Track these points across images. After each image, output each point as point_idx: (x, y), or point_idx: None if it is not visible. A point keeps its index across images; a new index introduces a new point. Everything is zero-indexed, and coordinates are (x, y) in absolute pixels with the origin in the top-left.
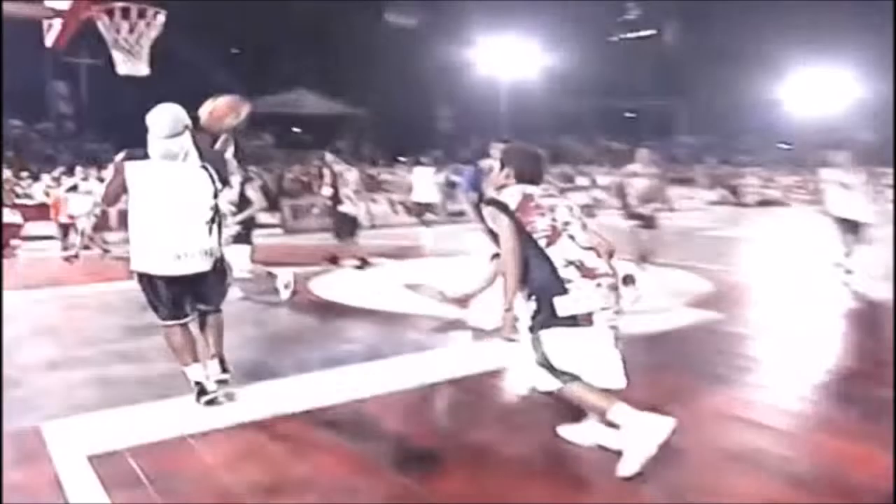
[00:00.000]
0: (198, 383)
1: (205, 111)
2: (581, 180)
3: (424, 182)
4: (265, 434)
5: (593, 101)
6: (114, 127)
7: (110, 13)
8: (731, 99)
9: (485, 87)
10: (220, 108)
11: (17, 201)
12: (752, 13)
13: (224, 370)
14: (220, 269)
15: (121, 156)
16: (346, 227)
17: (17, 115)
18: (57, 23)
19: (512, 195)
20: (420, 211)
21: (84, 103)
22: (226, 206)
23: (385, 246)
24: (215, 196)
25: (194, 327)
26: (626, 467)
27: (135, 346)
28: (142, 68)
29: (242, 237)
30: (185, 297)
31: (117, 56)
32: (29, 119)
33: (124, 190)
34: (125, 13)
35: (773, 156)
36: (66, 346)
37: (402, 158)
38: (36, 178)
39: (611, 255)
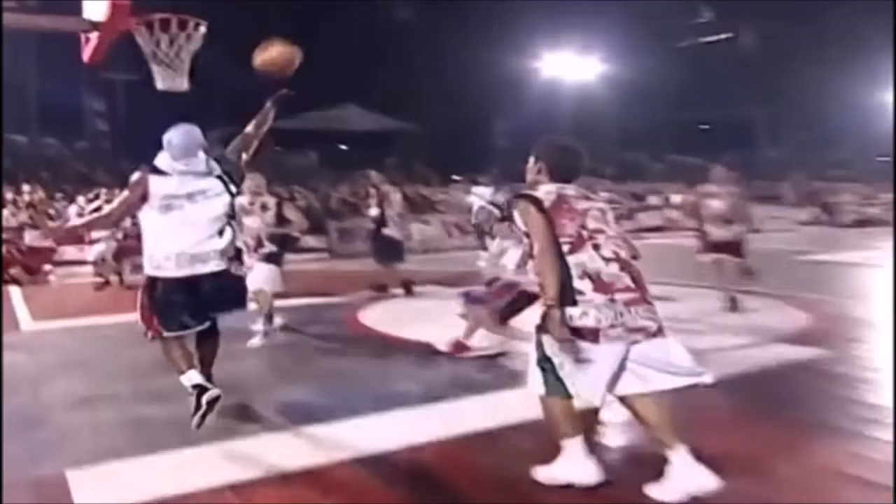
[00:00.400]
0: (196, 385)
1: (259, 56)
2: (652, 199)
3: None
4: (313, 485)
5: (663, 113)
6: (151, 145)
7: (149, 25)
8: (820, 107)
9: (544, 100)
10: (275, 56)
11: (51, 224)
12: (841, 9)
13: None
14: (235, 271)
15: (138, 173)
16: (391, 251)
17: (53, 134)
18: (94, 36)
19: (548, 193)
20: (479, 234)
21: (121, 121)
22: (263, 228)
23: (438, 272)
24: (231, 200)
25: (189, 342)
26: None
27: (168, 383)
28: (181, 83)
29: (273, 256)
30: (197, 303)
31: (156, 70)
32: (64, 138)
33: (140, 203)
34: (165, 25)
35: (871, 169)
36: (94, 383)
37: (456, 177)
38: (72, 199)
39: (633, 258)
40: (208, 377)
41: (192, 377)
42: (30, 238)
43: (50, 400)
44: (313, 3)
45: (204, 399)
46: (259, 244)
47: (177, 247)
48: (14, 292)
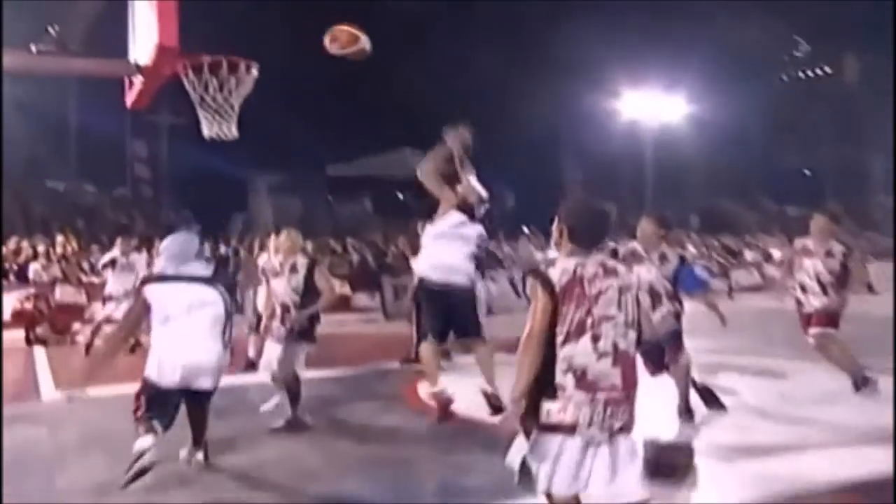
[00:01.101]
0: (141, 453)
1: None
2: (749, 254)
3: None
4: None
5: (758, 156)
6: (194, 193)
7: (197, 68)
8: None
9: (624, 143)
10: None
11: (84, 278)
12: None
13: (206, 457)
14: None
15: (140, 280)
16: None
17: (91, 180)
18: (138, 80)
19: (563, 272)
20: None
21: (164, 166)
22: (290, 297)
23: (502, 337)
24: (227, 318)
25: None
26: None
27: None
28: (230, 130)
29: (306, 333)
30: (180, 405)
31: (203, 117)
32: (104, 184)
33: (145, 314)
34: (214, 68)
35: None
36: (117, 465)
37: (526, 229)
38: (108, 250)
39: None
40: (203, 445)
41: (143, 442)
42: (61, 294)
43: (66, 486)
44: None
45: (134, 469)
46: (286, 313)
47: (172, 357)
48: (38, 353)
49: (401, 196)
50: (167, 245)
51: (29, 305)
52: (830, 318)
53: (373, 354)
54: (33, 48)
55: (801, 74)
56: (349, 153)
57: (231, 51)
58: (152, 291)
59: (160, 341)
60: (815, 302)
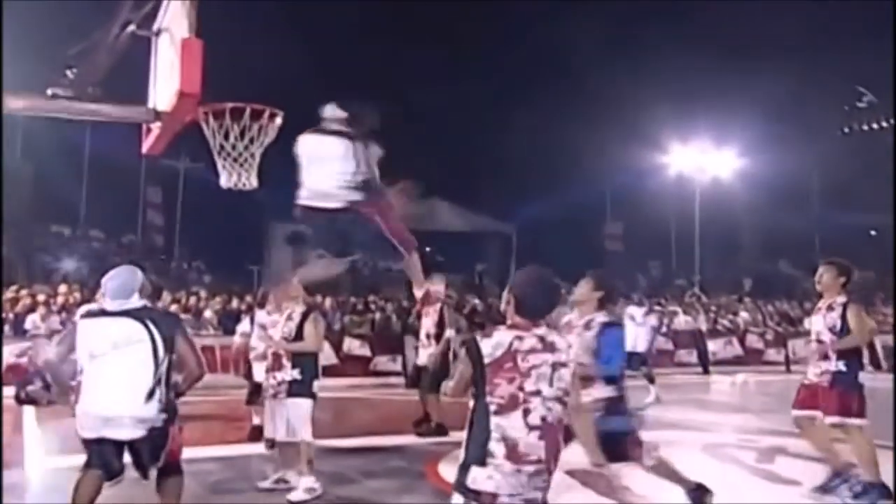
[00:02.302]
0: None
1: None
2: (808, 322)
3: (632, 325)
4: None
5: (817, 214)
6: (208, 243)
7: (218, 115)
8: None
9: (671, 199)
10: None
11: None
12: None
13: None
14: (157, 437)
15: (80, 312)
16: (431, 378)
17: (99, 226)
18: (156, 126)
19: (498, 343)
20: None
21: (177, 214)
22: (282, 344)
23: None
24: (157, 364)
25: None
26: None
27: None
28: (250, 180)
29: (299, 386)
30: (116, 456)
31: (222, 165)
32: (112, 230)
33: (72, 349)
34: (236, 115)
35: None
36: None
37: (564, 288)
38: None
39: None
40: None
41: None
42: (57, 350)
43: None
44: (396, 83)
45: None
46: (277, 364)
47: (92, 405)
48: (28, 415)
49: (428, 250)
50: (105, 280)
51: (24, 360)
52: (839, 398)
53: (392, 424)
54: (49, 91)
55: (864, 127)
56: None
57: (252, 98)
58: (81, 326)
59: (84, 384)
60: (812, 371)
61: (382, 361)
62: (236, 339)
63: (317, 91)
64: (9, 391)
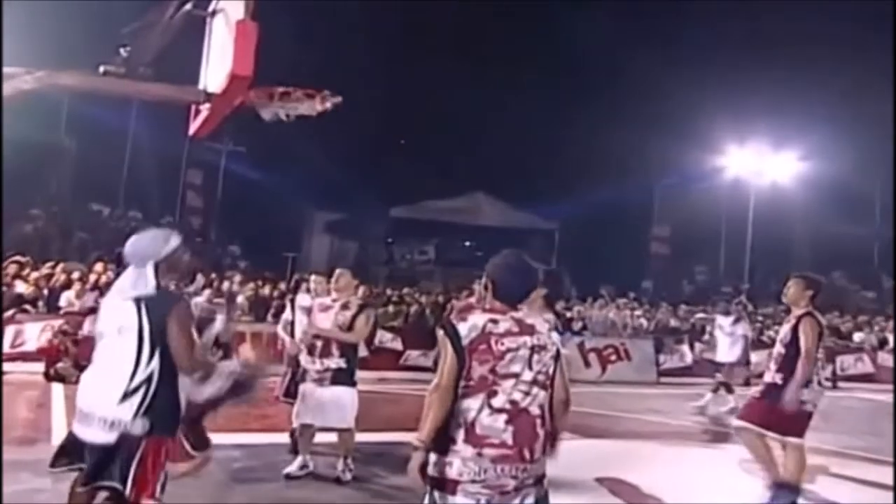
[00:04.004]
0: None
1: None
2: (859, 337)
3: (721, 335)
4: None
5: (881, 224)
6: (246, 227)
7: (270, 97)
8: None
9: (725, 204)
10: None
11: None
12: None
13: None
14: (127, 448)
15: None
16: None
17: (139, 206)
18: (205, 108)
19: (473, 326)
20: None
21: (217, 197)
22: (335, 331)
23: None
24: (138, 360)
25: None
26: None
27: None
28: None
29: (344, 375)
30: (81, 458)
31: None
32: (151, 211)
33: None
34: (286, 99)
35: None
36: None
37: (603, 291)
38: None
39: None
40: None
41: None
42: (90, 326)
43: None
44: (446, 79)
45: None
46: (326, 351)
47: (79, 396)
48: (56, 391)
49: (467, 244)
50: (126, 245)
51: (55, 337)
52: (765, 411)
53: (418, 421)
54: (101, 69)
55: None
56: (416, 195)
57: (300, 82)
58: (103, 300)
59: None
60: (765, 378)
61: (414, 356)
62: (280, 331)
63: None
64: (39, 367)
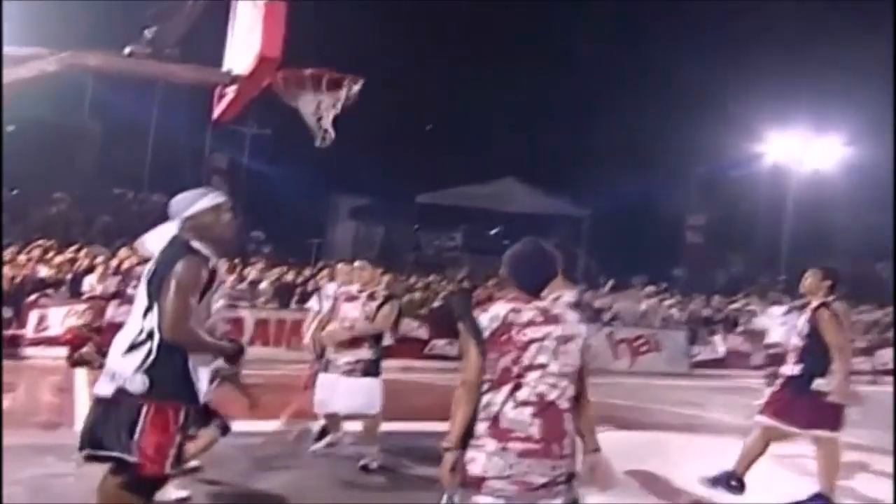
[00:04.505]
0: None
1: None
2: None
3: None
4: None
5: None
6: (270, 212)
7: (295, 81)
8: None
9: (763, 191)
10: None
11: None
12: None
13: None
14: (125, 410)
15: None
16: None
17: (163, 190)
18: (231, 91)
19: (494, 317)
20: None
21: (242, 181)
22: (361, 321)
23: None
24: (144, 312)
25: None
26: None
27: None
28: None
29: (374, 365)
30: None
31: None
32: (176, 195)
33: None
34: (315, 80)
35: None
36: None
37: (635, 280)
38: None
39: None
40: None
41: None
42: (113, 312)
43: None
44: (478, 54)
45: None
46: (356, 342)
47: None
48: (80, 377)
49: (496, 231)
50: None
51: (79, 321)
52: (786, 404)
53: (447, 411)
54: (127, 50)
55: None
56: (444, 180)
57: (324, 63)
58: None
59: None
60: (784, 371)
61: (439, 345)
62: (308, 320)
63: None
64: (63, 352)
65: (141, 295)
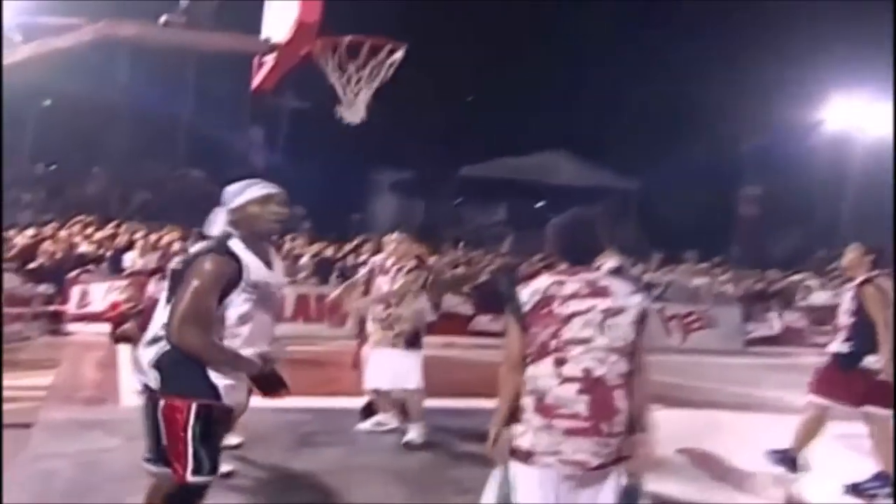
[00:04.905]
0: None
1: None
2: None
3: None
4: None
5: None
6: (309, 187)
7: (335, 49)
8: None
9: (823, 160)
10: None
11: None
12: None
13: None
14: (150, 406)
15: None
16: None
17: (200, 165)
18: (269, 59)
19: (535, 291)
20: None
21: (279, 155)
22: (386, 291)
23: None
24: (166, 304)
25: None
26: None
27: None
28: (355, 114)
29: (416, 338)
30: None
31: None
32: (213, 170)
33: None
34: (354, 48)
35: None
36: None
37: (687, 255)
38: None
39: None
40: None
41: None
42: (155, 288)
43: None
44: (521, 19)
45: None
46: (389, 316)
47: None
48: (123, 353)
49: (541, 205)
50: None
51: (121, 297)
52: (834, 381)
53: (492, 387)
54: (163, 19)
55: None
56: (488, 152)
57: (364, 31)
58: None
59: None
60: (831, 348)
61: (483, 321)
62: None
63: (435, 23)
64: (105, 328)
65: (167, 286)
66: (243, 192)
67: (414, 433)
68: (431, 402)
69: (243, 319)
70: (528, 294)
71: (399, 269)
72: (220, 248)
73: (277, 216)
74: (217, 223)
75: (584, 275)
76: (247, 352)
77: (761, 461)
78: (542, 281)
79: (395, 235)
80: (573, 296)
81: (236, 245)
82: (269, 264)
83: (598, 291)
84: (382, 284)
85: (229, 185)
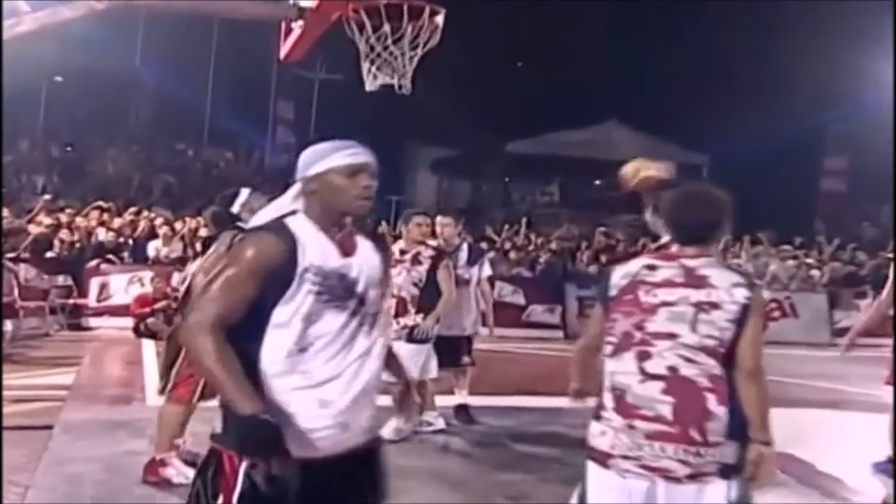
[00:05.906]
0: None
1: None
2: None
3: None
4: None
5: None
6: None
7: (371, 13)
8: None
9: None
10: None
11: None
12: None
13: None
14: None
15: None
16: None
17: (226, 144)
18: (297, 27)
19: (625, 274)
20: None
21: (310, 131)
22: (408, 291)
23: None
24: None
25: None
26: None
27: None
28: (403, 82)
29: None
30: None
31: (367, 70)
32: (240, 149)
33: None
34: (392, 11)
35: None
36: None
37: (762, 236)
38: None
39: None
40: None
41: None
42: (179, 279)
43: None
44: None
45: None
46: (403, 309)
47: None
48: (148, 348)
49: (598, 183)
50: None
51: (147, 289)
52: None
53: (548, 383)
54: None
55: None
56: (538, 126)
57: None
58: None
59: None
60: None
61: (538, 311)
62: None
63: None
64: (128, 322)
65: None
66: (326, 157)
67: (393, 429)
68: (481, 400)
69: (310, 320)
70: (618, 276)
71: (413, 260)
72: (273, 224)
73: (368, 192)
74: (282, 208)
75: (683, 260)
76: (325, 391)
77: (853, 464)
78: (635, 264)
79: (416, 218)
80: (665, 283)
81: (297, 222)
82: (347, 252)
83: (694, 281)
84: (397, 279)
85: (307, 148)
